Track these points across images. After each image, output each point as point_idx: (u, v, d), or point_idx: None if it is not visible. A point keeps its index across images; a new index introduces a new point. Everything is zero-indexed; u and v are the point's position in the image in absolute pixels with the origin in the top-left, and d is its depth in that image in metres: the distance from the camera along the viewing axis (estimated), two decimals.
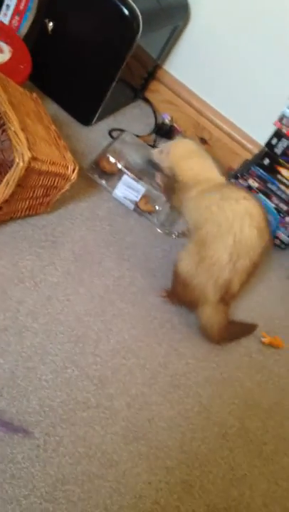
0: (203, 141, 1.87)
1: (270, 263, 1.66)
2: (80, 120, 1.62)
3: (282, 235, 1.71)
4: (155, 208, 1.50)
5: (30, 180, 1.12)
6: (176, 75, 1.84)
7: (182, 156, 1.38)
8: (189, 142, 1.46)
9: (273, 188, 1.66)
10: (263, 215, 1.22)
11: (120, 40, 1.44)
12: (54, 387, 1.05)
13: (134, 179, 1.46)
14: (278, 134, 1.58)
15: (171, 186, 1.37)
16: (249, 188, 1.69)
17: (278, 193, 1.66)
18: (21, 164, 1.04)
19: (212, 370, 1.28)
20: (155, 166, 1.46)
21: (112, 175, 1.50)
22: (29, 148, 1.05)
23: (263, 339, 1.41)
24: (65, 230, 1.32)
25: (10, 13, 1.54)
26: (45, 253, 1.24)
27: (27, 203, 1.21)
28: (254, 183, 1.67)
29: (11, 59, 1.43)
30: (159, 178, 1.46)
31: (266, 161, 1.63)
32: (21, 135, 1.06)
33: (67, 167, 1.19)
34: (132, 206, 1.48)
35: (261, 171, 1.65)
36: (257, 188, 1.68)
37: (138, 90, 1.83)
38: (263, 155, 1.63)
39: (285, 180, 1.63)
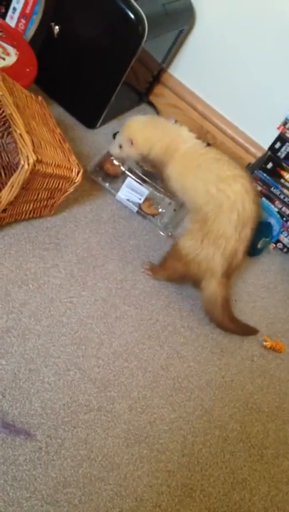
0: (206, 144, 1.87)
1: (273, 267, 1.67)
2: (85, 123, 1.63)
3: (284, 239, 1.71)
4: (159, 210, 1.50)
5: (35, 183, 1.13)
6: (180, 79, 1.85)
7: (138, 132, 1.34)
8: (137, 117, 1.40)
9: (276, 192, 1.66)
10: (255, 188, 1.31)
11: (126, 44, 1.44)
12: (56, 390, 1.05)
13: (137, 182, 1.47)
14: (282, 138, 1.59)
15: (158, 174, 1.37)
16: None
17: (281, 196, 1.66)
18: (26, 167, 1.04)
19: (214, 374, 1.28)
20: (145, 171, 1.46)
21: (116, 177, 1.51)
22: (34, 151, 1.06)
23: (265, 343, 1.41)
24: (69, 233, 1.33)
25: (16, 16, 1.55)
26: (48, 255, 1.25)
27: (31, 205, 1.21)
28: (257, 187, 1.68)
29: (17, 62, 1.44)
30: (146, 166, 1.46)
31: (269, 165, 1.63)
32: (26, 138, 1.07)
33: (72, 170, 1.19)
34: (135, 209, 1.49)
35: (264, 174, 1.65)
36: (260, 192, 1.68)
37: (143, 94, 1.83)
38: (266, 159, 1.63)
39: (288, 184, 1.63)
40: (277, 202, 1.67)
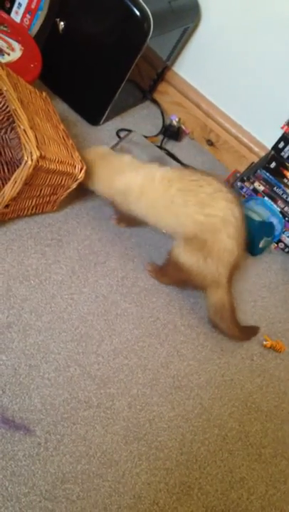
0: (210, 143, 1.88)
1: (274, 266, 1.66)
2: (89, 120, 1.62)
3: (286, 239, 1.71)
4: None
5: (38, 179, 1.13)
6: (185, 77, 1.84)
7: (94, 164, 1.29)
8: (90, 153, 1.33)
9: (279, 191, 1.66)
10: (227, 187, 1.28)
11: (131, 41, 1.44)
12: (56, 386, 1.05)
13: None
14: (285, 138, 1.58)
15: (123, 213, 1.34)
16: (255, 191, 1.69)
17: (284, 196, 1.66)
18: (30, 162, 1.04)
19: (213, 373, 1.28)
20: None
21: None
22: (38, 147, 1.06)
23: (265, 342, 1.41)
24: (71, 229, 1.33)
25: (22, 11, 1.55)
26: (50, 251, 1.25)
27: (34, 201, 1.21)
28: (260, 187, 1.68)
29: (21, 57, 1.44)
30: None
31: (273, 165, 1.63)
32: (30, 133, 1.07)
33: (75, 166, 1.19)
34: None
35: (267, 174, 1.65)
36: (263, 192, 1.68)
37: (147, 91, 1.83)
38: (269, 158, 1.63)
39: None
40: (279, 201, 1.67)
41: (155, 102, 1.87)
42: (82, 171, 1.20)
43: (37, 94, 1.28)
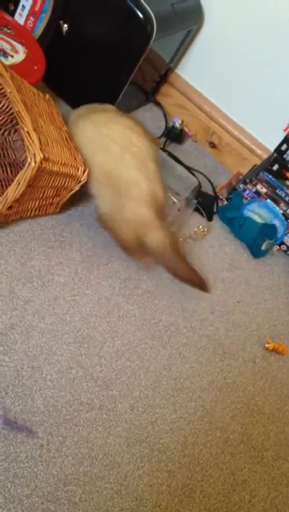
0: (212, 145, 1.88)
1: (277, 269, 1.66)
2: None
3: (288, 241, 1.71)
4: None
5: (41, 181, 1.13)
6: (188, 79, 1.85)
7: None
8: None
9: (281, 193, 1.66)
10: (139, 123, 1.26)
11: (134, 43, 1.44)
12: (59, 387, 1.05)
13: None
14: (288, 140, 1.58)
15: None
16: (257, 193, 1.69)
17: (286, 198, 1.66)
18: (33, 164, 1.04)
19: (215, 375, 1.28)
20: None
21: None
22: (41, 149, 1.06)
23: (267, 345, 1.41)
24: (74, 231, 1.33)
25: (25, 13, 1.55)
26: (53, 253, 1.25)
27: (37, 203, 1.22)
28: (262, 189, 1.68)
29: (25, 59, 1.44)
30: None
31: (275, 167, 1.63)
32: (34, 135, 1.07)
33: (78, 168, 1.19)
34: None
35: (270, 176, 1.65)
36: (265, 194, 1.68)
37: (150, 93, 1.83)
38: (272, 161, 1.63)
39: None
40: (282, 204, 1.67)
41: (158, 104, 1.88)
42: (85, 173, 1.21)
43: (40, 96, 1.28)
